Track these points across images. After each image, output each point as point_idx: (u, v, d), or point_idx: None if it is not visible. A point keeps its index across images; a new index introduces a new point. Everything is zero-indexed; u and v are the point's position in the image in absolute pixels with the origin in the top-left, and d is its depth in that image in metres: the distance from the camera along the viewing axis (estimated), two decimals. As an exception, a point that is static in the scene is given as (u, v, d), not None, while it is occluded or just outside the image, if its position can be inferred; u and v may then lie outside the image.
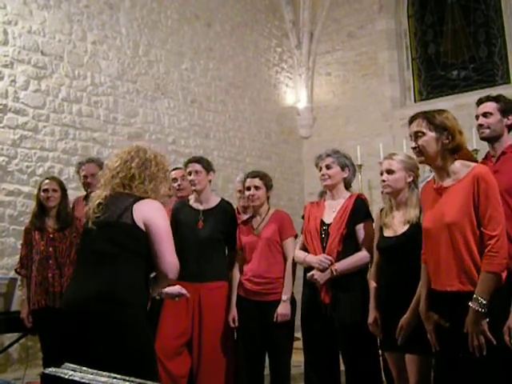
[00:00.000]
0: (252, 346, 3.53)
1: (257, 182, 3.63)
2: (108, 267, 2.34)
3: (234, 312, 3.57)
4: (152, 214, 2.38)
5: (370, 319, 2.96)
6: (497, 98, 3.03)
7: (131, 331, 2.31)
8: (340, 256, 3.18)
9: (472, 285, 2.29)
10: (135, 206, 2.38)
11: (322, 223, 3.30)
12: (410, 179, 2.93)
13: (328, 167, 3.32)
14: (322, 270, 3.16)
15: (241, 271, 3.66)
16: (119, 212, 2.38)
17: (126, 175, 2.45)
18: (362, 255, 3.20)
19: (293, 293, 3.58)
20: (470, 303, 2.25)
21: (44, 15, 5.51)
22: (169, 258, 2.37)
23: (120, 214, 2.37)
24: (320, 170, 3.37)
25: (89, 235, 2.44)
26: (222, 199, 3.77)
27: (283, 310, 3.46)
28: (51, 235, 3.88)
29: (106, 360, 2.18)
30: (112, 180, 2.47)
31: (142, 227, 2.36)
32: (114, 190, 2.45)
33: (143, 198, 2.42)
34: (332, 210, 3.31)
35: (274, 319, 3.45)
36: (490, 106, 3.00)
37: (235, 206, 4.01)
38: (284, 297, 3.49)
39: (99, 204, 2.43)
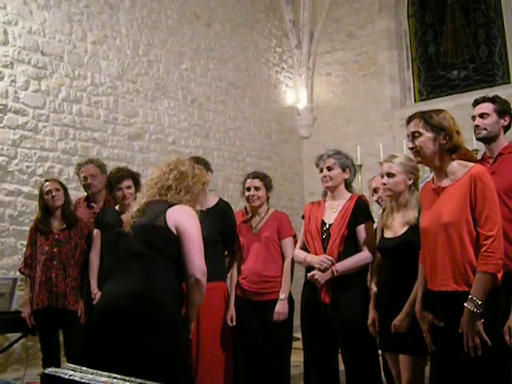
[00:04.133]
0: (251, 346, 3.54)
1: (257, 182, 3.66)
2: (142, 268, 2.44)
3: (232, 311, 3.58)
4: (183, 218, 2.50)
5: (369, 320, 2.97)
6: (493, 99, 3.02)
7: (165, 331, 2.38)
8: (341, 257, 3.19)
9: (467, 285, 2.29)
10: (169, 211, 2.51)
11: (323, 223, 3.30)
12: (410, 182, 2.91)
13: (329, 169, 3.32)
14: (323, 271, 3.17)
15: (240, 271, 3.67)
16: (154, 216, 2.51)
17: (163, 185, 2.60)
18: (362, 256, 3.21)
19: (290, 292, 3.59)
20: (465, 304, 2.25)
21: (44, 15, 5.51)
22: (196, 259, 2.46)
23: (155, 218, 2.50)
24: (321, 171, 3.36)
25: (125, 238, 2.56)
26: (220, 199, 3.77)
27: (280, 308, 3.48)
28: (56, 236, 3.89)
29: (138, 359, 2.30)
30: (150, 190, 2.63)
31: (174, 231, 2.48)
32: (151, 198, 2.61)
33: (178, 204, 2.55)
34: (333, 211, 3.31)
35: (272, 318, 3.46)
36: (487, 107, 2.99)
37: (239, 207, 4.00)
38: (281, 295, 3.50)
39: (137, 210, 2.59)
